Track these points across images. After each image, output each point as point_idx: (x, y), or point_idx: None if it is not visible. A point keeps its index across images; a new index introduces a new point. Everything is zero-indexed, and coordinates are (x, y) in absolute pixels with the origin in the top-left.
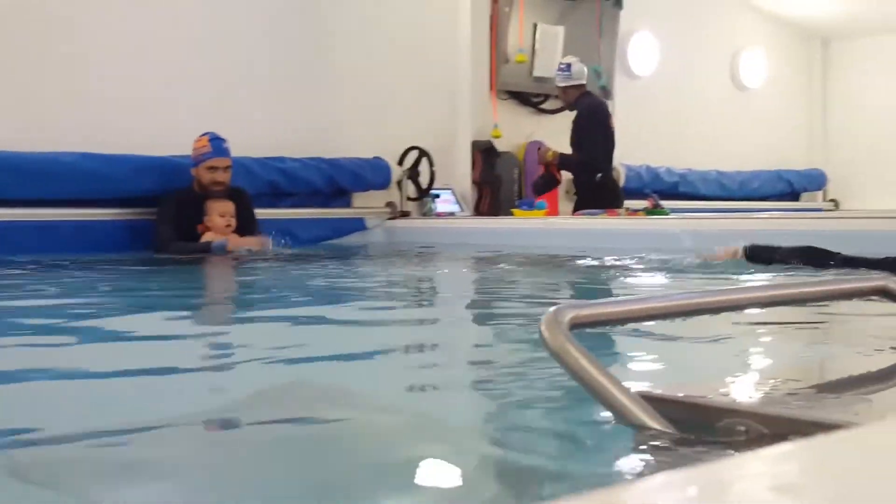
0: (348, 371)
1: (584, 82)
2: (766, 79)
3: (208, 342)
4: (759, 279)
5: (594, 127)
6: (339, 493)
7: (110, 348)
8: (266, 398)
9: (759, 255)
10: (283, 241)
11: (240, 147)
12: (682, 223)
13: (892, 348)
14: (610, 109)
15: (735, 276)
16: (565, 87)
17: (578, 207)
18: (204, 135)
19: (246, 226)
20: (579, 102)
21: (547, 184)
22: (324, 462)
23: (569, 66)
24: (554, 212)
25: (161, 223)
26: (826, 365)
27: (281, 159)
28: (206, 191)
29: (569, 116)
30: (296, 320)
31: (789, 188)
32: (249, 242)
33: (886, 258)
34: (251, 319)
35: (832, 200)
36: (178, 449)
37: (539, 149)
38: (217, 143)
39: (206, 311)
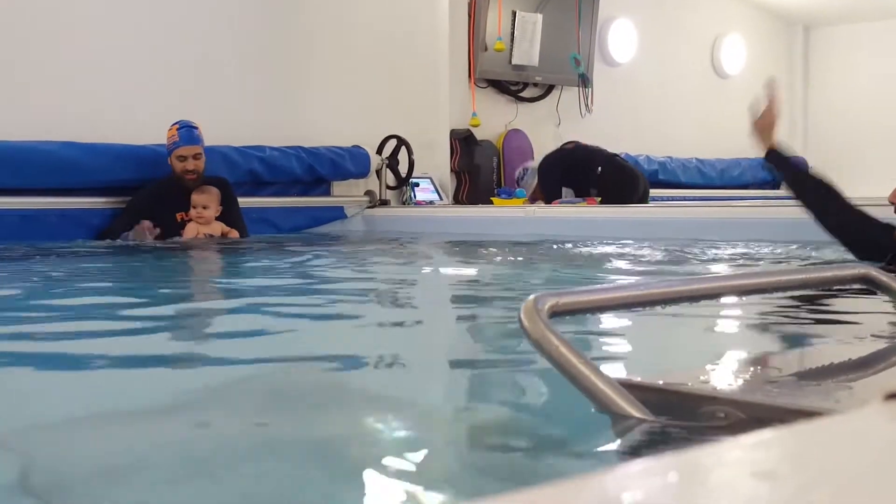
0: (321, 359)
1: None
2: (746, 66)
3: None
4: (738, 268)
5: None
6: (309, 477)
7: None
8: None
9: (777, 161)
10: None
11: (219, 136)
12: (662, 211)
13: (873, 336)
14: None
15: (712, 265)
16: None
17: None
18: (175, 123)
19: (227, 215)
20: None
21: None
22: (294, 455)
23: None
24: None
25: (123, 212)
26: (806, 353)
27: (260, 148)
28: (181, 180)
29: (548, 104)
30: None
31: (770, 176)
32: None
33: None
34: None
35: None
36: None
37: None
38: (185, 132)
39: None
